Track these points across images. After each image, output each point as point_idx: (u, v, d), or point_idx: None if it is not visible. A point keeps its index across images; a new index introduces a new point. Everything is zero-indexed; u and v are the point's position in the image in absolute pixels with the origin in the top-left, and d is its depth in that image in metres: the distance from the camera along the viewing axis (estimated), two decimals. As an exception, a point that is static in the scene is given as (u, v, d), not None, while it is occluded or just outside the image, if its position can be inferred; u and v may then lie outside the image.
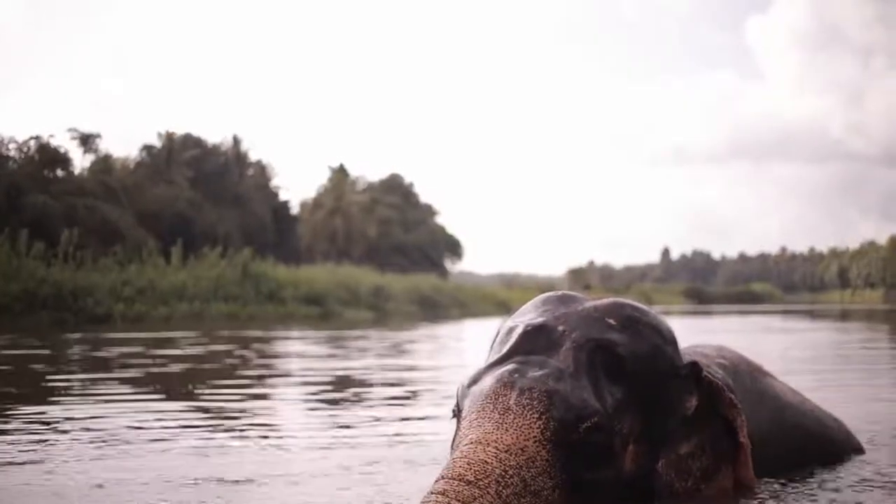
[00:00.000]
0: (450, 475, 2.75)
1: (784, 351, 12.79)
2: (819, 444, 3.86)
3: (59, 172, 40.19)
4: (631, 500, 2.99)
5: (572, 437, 2.84)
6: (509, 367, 3.02)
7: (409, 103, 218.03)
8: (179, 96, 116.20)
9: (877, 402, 6.53)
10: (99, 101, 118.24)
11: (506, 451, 2.80)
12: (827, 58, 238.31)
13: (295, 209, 60.20)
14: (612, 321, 3.16)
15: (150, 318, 25.78)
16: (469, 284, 59.53)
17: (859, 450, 4.11)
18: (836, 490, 3.47)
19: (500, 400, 2.92)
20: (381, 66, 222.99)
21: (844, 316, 34.79)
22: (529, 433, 2.83)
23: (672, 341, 3.24)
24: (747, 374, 3.73)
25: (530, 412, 2.86)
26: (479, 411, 2.94)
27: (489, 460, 2.78)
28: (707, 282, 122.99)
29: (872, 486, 3.53)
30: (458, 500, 2.68)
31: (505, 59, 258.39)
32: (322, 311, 33.59)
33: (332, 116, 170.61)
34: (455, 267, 70.83)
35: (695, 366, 3.18)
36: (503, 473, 2.75)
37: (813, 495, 3.39)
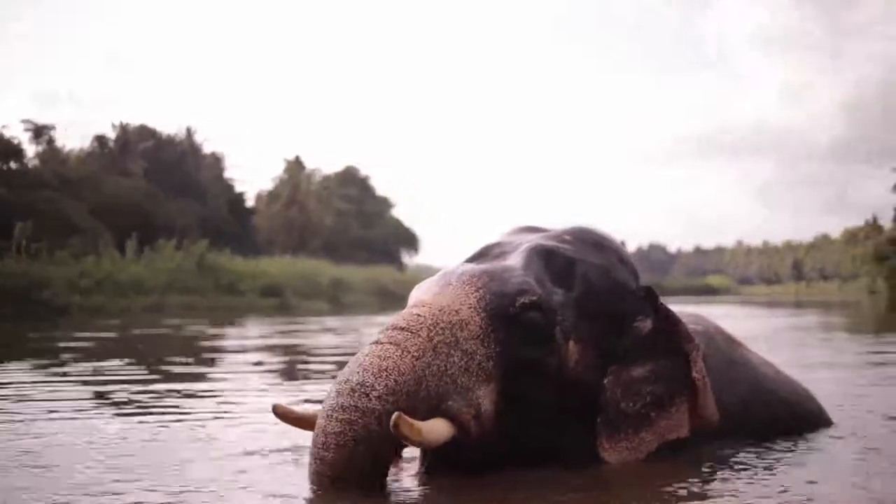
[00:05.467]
0: (384, 329, 2.91)
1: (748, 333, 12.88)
2: (793, 414, 3.83)
3: (13, 164, 39.54)
4: (578, 410, 3.05)
5: (508, 311, 2.94)
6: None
7: (370, 95, 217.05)
8: (132, 88, 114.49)
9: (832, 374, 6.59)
10: (51, 94, 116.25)
11: (439, 310, 2.92)
12: (778, 54, 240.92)
13: (251, 201, 59.83)
14: (568, 237, 3.30)
15: (108, 310, 25.44)
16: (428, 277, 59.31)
17: (829, 422, 4.11)
18: (803, 461, 3.46)
19: (443, 280, 3.09)
20: (339, 57, 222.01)
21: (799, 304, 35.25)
22: (465, 300, 2.96)
23: (630, 265, 3.33)
24: (722, 342, 3.74)
25: (468, 286, 3.00)
26: (420, 290, 3.14)
27: (422, 314, 2.92)
28: (664, 275, 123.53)
29: (843, 455, 3.55)
30: (392, 342, 2.83)
31: (469, 52, 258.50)
32: (280, 303, 33.41)
33: (287, 108, 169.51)
34: (412, 260, 70.50)
35: (650, 290, 3.26)
36: (435, 323, 2.88)
37: (777, 463, 3.38)
